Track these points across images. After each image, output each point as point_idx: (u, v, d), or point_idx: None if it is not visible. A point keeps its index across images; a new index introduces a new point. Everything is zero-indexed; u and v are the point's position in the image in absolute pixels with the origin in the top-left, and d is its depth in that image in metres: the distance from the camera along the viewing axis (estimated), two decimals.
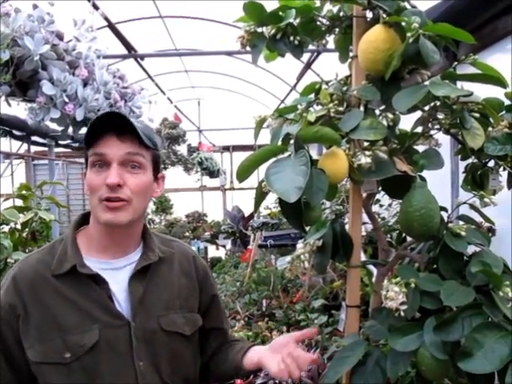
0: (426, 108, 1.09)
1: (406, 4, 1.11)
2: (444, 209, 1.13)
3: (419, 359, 0.98)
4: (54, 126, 2.85)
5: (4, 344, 0.99)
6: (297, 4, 1.15)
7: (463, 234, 1.07)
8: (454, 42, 1.07)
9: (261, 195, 1.09)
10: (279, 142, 1.13)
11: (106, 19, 3.67)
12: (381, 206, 2.87)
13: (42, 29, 2.25)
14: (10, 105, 2.36)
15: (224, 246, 7.90)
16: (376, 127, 1.03)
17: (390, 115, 1.07)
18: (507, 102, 1.12)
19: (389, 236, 2.56)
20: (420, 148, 1.16)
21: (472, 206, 1.19)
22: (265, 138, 1.20)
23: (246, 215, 7.55)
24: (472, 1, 2.06)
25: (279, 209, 1.07)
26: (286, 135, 1.12)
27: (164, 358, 1.07)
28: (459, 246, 1.05)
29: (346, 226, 1.22)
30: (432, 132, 1.14)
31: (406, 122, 1.16)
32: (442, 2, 2.20)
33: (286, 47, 1.18)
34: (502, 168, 1.15)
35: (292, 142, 1.05)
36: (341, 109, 1.11)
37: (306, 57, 4.76)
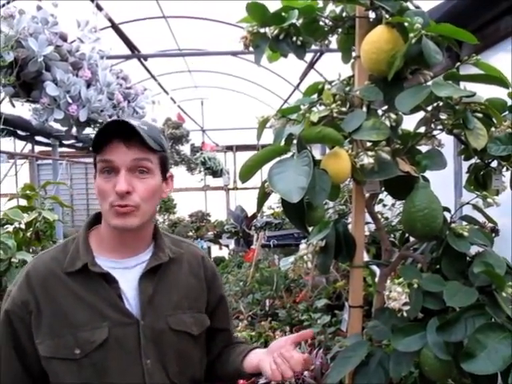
0: (429, 108, 1.09)
1: (408, 4, 1.11)
2: (447, 209, 1.13)
3: (422, 360, 0.98)
4: (57, 126, 2.86)
5: (17, 340, 1.02)
6: (299, 4, 1.15)
7: (466, 234, 1.07)
8: (456, 43, 1.07)
9: (263, 195, 1.09)
10: (282, 143, 1.14)
11: (110, 20, 3.68)
12: (384, 205, 2.87)
13: (45, 30, 2.26)
14: (13, 106, 2.37)
15: (227, 246, 7.91)
16: (379, 128, 1.03)
17: (393, 115, 1.07)
18: (510, 103, 1.12)
19: (392, 236, 2.56)
20: (423, 148, 1.16)
21: (475, 207, 1.19)
22: (268, 137, 1.20)
23: (250, 215, 7.55)
24: (474, 1, 2.05)
25: (282, 209, 1.07)
26: (288, 135, 1.12)
27: (171, 358, 1.09)
28: (462, 246, 1.05)
29: (349, 226, 1.22)
30: (435, 132, 1.14)
31: (409, 122, 1.16)
32: (444, 2, 2.19)
33: (288, 47, 1.18)
34: (505, 168, 1.15)
35: (295, 142, 1.05)
36: (343, 109, 1.11)
37: (309, 57, 4.76)
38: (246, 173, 1.04)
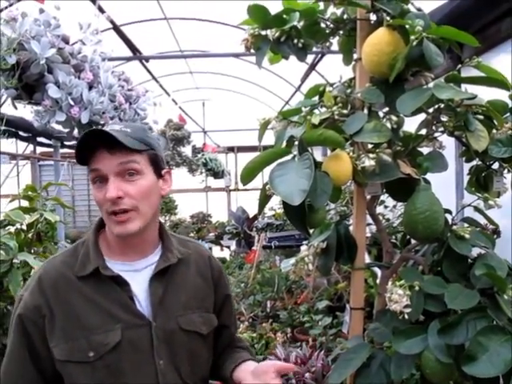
0: (430, 110, 1.09)
1: (409, 7, 1.12)
2: (448, 211, 1.13)
3: (423, 362, 0.98)
4: (59, 127, 2.86)
5: (31, 344, 1.02)
6: (301, 7, 1.15)
7: (467, 236, 1.07)
8: (457, 44, 1.07)
9: (265, 198, 1.10)
10: (283, 145, 1.14)
11: (111, 22, 3.68)
12: (385, 207, 2.87)
13: (48, 33, 2.27)
14: (16, 108, 2.38)
15: (228, 247, 7.90)
16: (380, 130, 1.03)
17: (394, 118, 1.07)
18: (511, 104, 1.12)
19: (393, 238, 2.56)
20: (424, 150, 1.16)
21: (476, 209, 1.19)
22: (270, 138, 1.20)
23: (251, 216, 7.55)
24: (476, 2, 2.05)
25: (283, 211, 1.07)
26: (290, 138, 1.12)
27: (183, 358, 1.10)
28: (463, 248, 1.05)
29: (350, 228, 1.22)
30: (436, 134, 1.14)
31: (410, 124, 1.16)
32: (446, 3, 2.20)
33: (289, 50, 1.19)
34: (506, 170, 1.15)
35: (296, 144, 1.05)
36: (345, 111, 1.11)
37: (310, 58, 4.76)
38: (248, 175, 1.05)
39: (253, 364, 1.16)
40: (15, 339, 1.03)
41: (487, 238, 1.13)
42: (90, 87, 2.67)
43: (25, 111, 2.75)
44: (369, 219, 1.24)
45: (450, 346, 0.94)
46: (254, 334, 3.15)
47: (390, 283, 1.07)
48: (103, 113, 2.75)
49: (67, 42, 2.51)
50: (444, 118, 1.10)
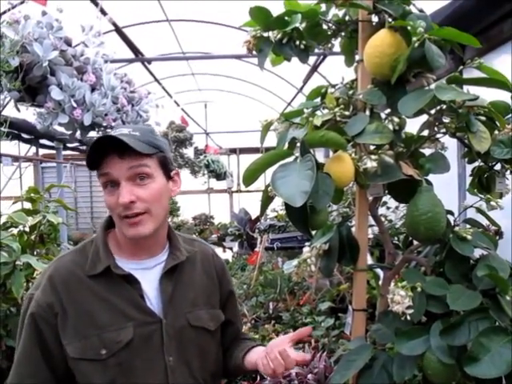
0: (432, 112, 1.09)
1: (411, 8, 1.12)
2: (450, 212, 1.13)
3: (425, 363, 0.98)
4: (61, 129, 2.88)
5: (43, 342, 1.03)
6: (302, 8, 1.16)
7: (469, 237, 1.07)
8: (459, 46, 1.07)
9: (267, 199, 1.10)
10: (285, 146, 1.14)
11: (114, 24, 3.69)
12: (388, 208, 2.87)
13: (50, 35, 2.28)
14: (19, 110, 2.39)
15: (231, 249, 7.91)
16: (382, 131, 1.03)
17: (396, 119, 1.07)
18: None
19: (396, 239, 2.56)
20: (426, 151, 1.16)
21: (479, 210, 1.19)
22: (272, 140, 1.20)
23: (253, 217, 7.55)
24: (478, 3, 2.05)
25: (286, 212, 1.07)
26: (292, 139, 1.12)
27: (193, 354, 1.12)
28: (465, 249, 1.05)
29: (353, 229, 1.22)
30: (438, 135, 1.14)
31: (412, 125, 1.17)
32: (448, 4, 2.20)
33: (291, 51, 1.19)
34: (508, 171, 1.15)
35: (298, 145, 1.05)
36: (347, 113, 1.11)
37: (312, 60, 4.77)
38: (250, 177, 1.05)
39: (262, 348, 1.19)
40: (27, 338, 1.04)
41: (489, 239, 1.13)
42: (93, 89, 2.68)
43: (27, 113, 2.77)
44: (371, 220, 1.24)
45: (453, 346, 0.94)
46: (257, 336, 3.14)
47: (392, 284, 1.07)
48: (106, 115, 2.76)
49: (70, 45, 2.52)
50: (446, 120, 1.10)
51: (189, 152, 8.47)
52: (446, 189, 1.57)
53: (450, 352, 0.94)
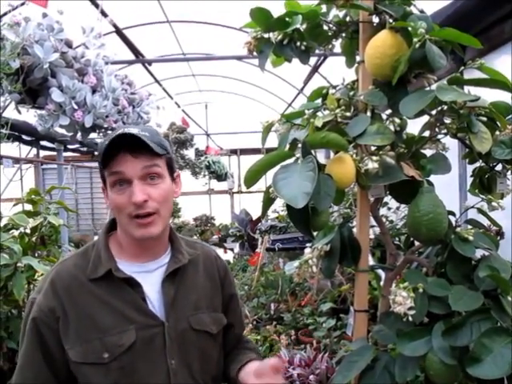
0: (433, 112, 1.09)
1: (412, 9, 1.12)
2: (452, 213, 1.13)
3: (428, 364, 0.98)
4: (62, 131, 2.88)
5: (45, 346, 1.03)
6: (303, 9, 1.16)
7: (471, 238, 1.07)
8: (460, 46, 1.07)
9: (268, 201, 1.10)
10: (286, 148, 1.14)
11: (114, 25, 3.70)
12: (389, 208, 2.86)
13: (51, 37, 2.28)
14: (20, 112, 2.39)
15: (232, 250, 7.91)
16: (383, 132, 1.03)
17: (397, 120, 1.07)
18: None
19: (397, 239, 2.55)
20: (427, 152, 1.16)
21: (480, 210, 1.19)
22: (273, 140, 1.20)
23: (254, 218, 7.55)
24: (479, 3, 2.05)
25: (287, 213, 1.08)
26: (293, 140, 1.12)
27: (195, 357, 1.11)
28: (467, 250, 1.05)
29: (354, 230, 1.22)
30: (439, 136, 1.14)
31: (413, 126, 1.17)
32: (449, 4, 2.20)
33: (292, 52, 1.19)
34: (509, 172, 1.15)
35: (299, 147, 1.05)
36: (348, 114, 1.11)
37: (312, 60, 4.77)
38: (251, 178, 1.05)
39: (254, 366, 1.16)
40: (29, 343, 1.04)
41: (491, 239, 1.13)
42: (94, 91, 2.69)
43: (28, 115, 2.77)
44: (372, 221, 1.24)
45: (455, 347, 0.94)
46: (258, 337, 3.15)
47: (393, 285, 1.07)
48: (106, 116, 2.76)
49: (70, 46, 2.52)
50: (447, 120, 1.10)
51: (190, 153, 8.47)
52: (447, 189, 1.57)
53: (452, 353, 0.94)
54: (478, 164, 1.21)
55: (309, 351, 2.55)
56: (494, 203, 1.15)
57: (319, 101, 1.24)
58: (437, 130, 1.12)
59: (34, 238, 2.39)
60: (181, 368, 1.08)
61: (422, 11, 1.14)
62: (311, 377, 2.24)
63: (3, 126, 2.17)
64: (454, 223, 1.13)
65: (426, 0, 1.25)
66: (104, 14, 3.22)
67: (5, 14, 2.24)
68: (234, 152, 9.96)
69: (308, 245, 1.25)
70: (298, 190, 0.92)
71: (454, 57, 1.96)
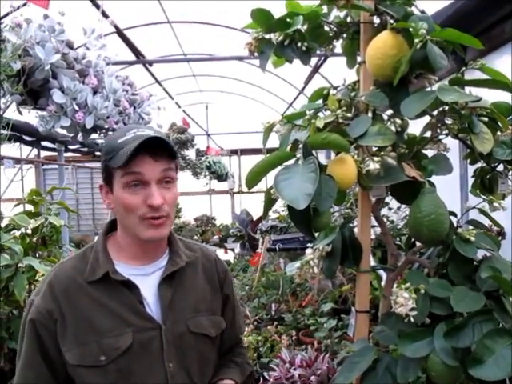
0: (435, 113, 1.09)
1: (413, 9, 1.12)
2: (453, 214, 1.13)
3: (429, 365, 0.98)
4: (63, 131, 2.88)
5: (43, 348, 1.03)
6: (304, 10, 1.16)
7: (472, 239, 1.07)
8: (461, 47, 1.07)
9: (269, 202, 1.10)
10: (288, 148, 1.14)
11: (115, 26, 3.70)
12: (389, 209, 2.86)
13: (52, 38, 2.28)
14: (21, 113, 2.39)
15: (233, 250, 7.91)
16: (384, 133, 1.03)
17: (399, 121, 1.07)
18: None
19: (398, 239, 2.55)
20: (429, 153, 1.16)
21: (481, 211, 1.19)
22: (273, 140, 1.20)
23: (255, 218, 7.55)
24: (479, 4, 2.05)
25: (288, 214, 1.08)
26: (294, 141, 1.12)
27: (193, 360, 1.11)
28: (469, 251, 1.05)
29: (355, 230, 1.22)
30: (440, 137, 1.14)
31: (415, 126, 1.16)
32: (449, 4, 2.19)
33: (293, 53, 1.19)
34: (511, 172, 1.15)
35: (300, 148, 1.05)
36: (349, 115, 1.11)
37: (313, 61, 4.76)
38: (253, 179, 1.05)
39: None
40: (28, 344, 1.04)
41: (492, 240, 1.13)
42: (95, 92, 2.69)
43: (29, 115, 2.77)
44: (373, 221, 1.24)
45: (457, 348, 0.94)
46: (259, 337, 3.14)
47: (395, 286, 1.07)
48: (108, 117, 2.76)
49: (71, 47, 2.52)
50: (448, 121, 1.10)
51: (190, 153, 8.47)
52: (449, 190, 1.57)
53: (454, 354, 0.94)
54: (479, 164, 1.20)
55: (310, 352, 2.55)
56: (495, 204, 1.15)
57: (320, 101, 1.24)
58: (438, 130, 1.12)
59: (35, 239, 2.39)
60: (179, 371, 1.08)
61: (423, 12, 1.14)
62: (312, 377, 2.23)
63: (4, 127, 2.18)
64: (455, 224, 1.13)
65: (427, 0, 1.25)
66: (105, 15, 3.22)
67: (6, 14, 2.24)
68: (234, 152, 9.96)
69: (309, 245, 1.25)
70: (300, 191, 0.92)
71: (454, 57, 1.96)
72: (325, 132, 1.05)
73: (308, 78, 5.38)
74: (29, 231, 2.38)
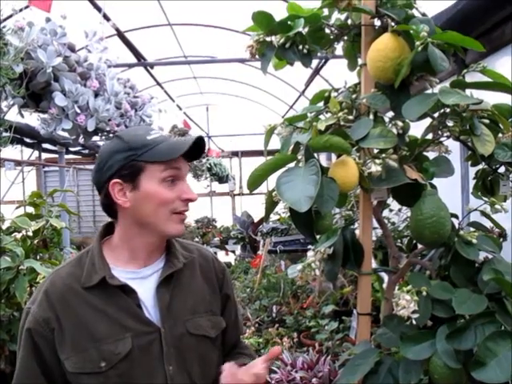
0: (436, 115, 1.09)
1: (414, 12, 1.12)
2: (455, 216, 1.13)
3: (432, 368, 0.98)
4: (64, 133, 2.88)
5: (40, 357, 1.02)
6: (305, 13, 1.16)
7: (474, 241, 1.07)
8: (462, 49, 1.07)
9: (271, 204, 1.10)
10: (289, 151, 1.14)
11: (116, 29, 3.70)
12: (390, 210, 2.86)
13: (54, 41, 2.29)
14: (22, 116, 2.39)
15: (233, 252, 7.91)
16: (386, 135, 1.03)
17: (400, 123, 1.07)
18: None
19: (399, 241, 2.55)
20: (430, 155, 1.16)
21: (483, 213, 1.19)
22: (274, 142, 1.20)
23: (256, 220, 7.55)
24: (480, 5, 2.05)
25: (289, 214, 1.08)
26: (296, 144, 1.12)
27: (193, 362, 1.11)
28: (470, 253, 1.05)
29: (357, 232, 1.22)
30: (442, 139, 1.14)
31: (416, 129, 1.17)
32: (450, 6, 2.20)
33: (294, 56, 1.19)
34: None
35: (302, 150, 1.05)
36: (350, 117, 1.11)
37: (314, 63, 4.76)
38: (254, 182, 1.05)
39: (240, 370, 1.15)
40: (25, 353, 1.03)
41: (494, 242, 1.13)
42: (96, 95, 2.69)
43: (30, 117, 2.78)
44: (374, 223, 1.24)
45: (459, 351, 0.94)
46: (261, 339, 3.14)
47: (396, 288, 1.07)
48: (109, 120, 2.77)
49: (73, 50, 2.52)
50: (450, 123, 1.10)
51: None
52: (450, 192, 1.57)
53: (457, 356, 0.94)
54: (480, 166, 1.20)
55: (311, 354, 2.55)
56: (496, 205, 1.15)
57: (321, 104, 1.24)
58: (439, 132, 1.12)
59: (36, 241, 2.39)
60: (180, 373, 1.07)
61: (424, 14, 1.14)
62: (314, 380, 2.23)
63: (6, 130, 2.18)
64: (457, 226, 1.13)
65: (427, 0, 1.25)
66: (106, 18, 3.23)
67: (9, 16, 2.25)
68: (235, 154, 9.96)
69: (310, 247, 1.25)
70: (302, 193, 0.92)
71: (455, 58, 1.96)
72: (326, 134, 1.05)
73: (309, 80, 5.38)
74: (30, 233, 2.38)
